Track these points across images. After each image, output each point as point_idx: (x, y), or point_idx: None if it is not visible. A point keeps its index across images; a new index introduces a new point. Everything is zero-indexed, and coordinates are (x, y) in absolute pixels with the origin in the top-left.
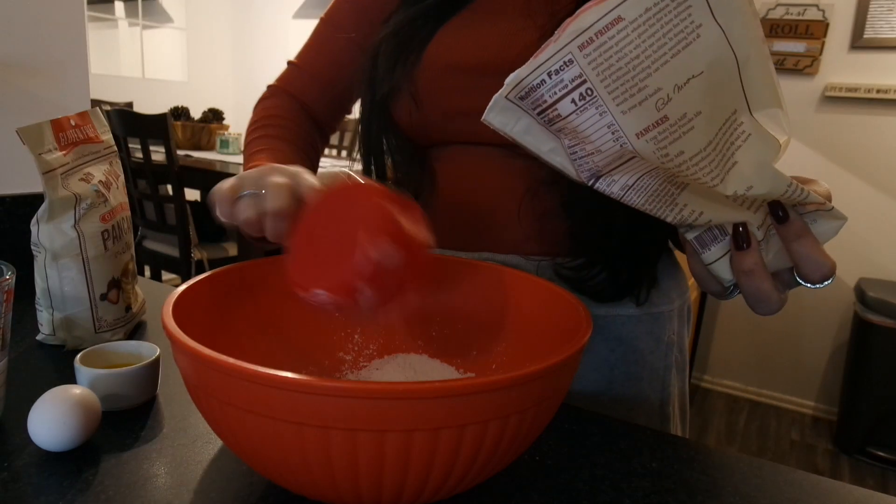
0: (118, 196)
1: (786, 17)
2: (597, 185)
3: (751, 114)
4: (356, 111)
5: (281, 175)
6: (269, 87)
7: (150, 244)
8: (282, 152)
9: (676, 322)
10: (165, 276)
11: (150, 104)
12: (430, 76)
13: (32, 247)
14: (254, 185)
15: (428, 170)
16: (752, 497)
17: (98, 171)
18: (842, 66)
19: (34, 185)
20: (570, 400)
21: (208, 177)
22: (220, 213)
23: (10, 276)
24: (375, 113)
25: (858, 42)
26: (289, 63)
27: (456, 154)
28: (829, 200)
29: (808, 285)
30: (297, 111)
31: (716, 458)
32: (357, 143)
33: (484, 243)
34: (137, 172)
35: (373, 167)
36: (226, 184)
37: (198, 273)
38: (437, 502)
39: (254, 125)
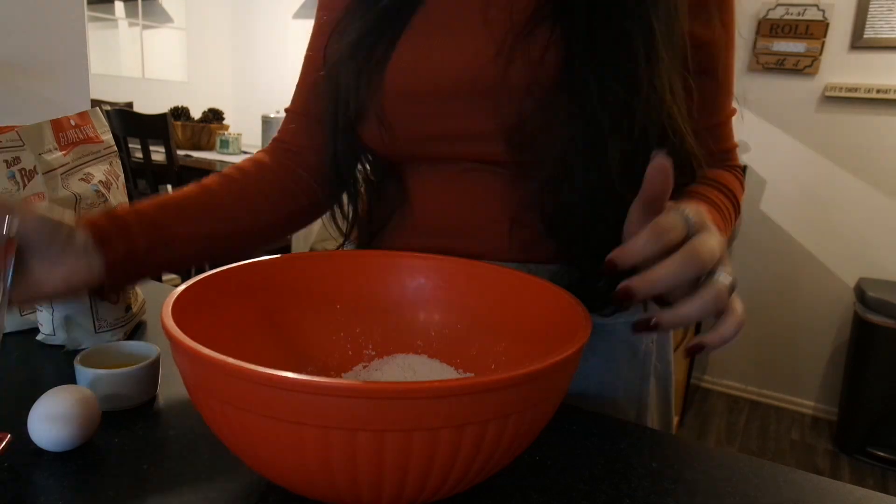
0: (118, 196)
1: (786, 17)
2: None
3: None
4: None
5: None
6: (272, 140)
7: None
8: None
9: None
10: (165, 276)
11: (150, 104)
12: (395, 104)
13: None
14: None
15: (402, 187)
16: (752, 497)
17: (98, 171)
18: (842, 66)
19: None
20: None
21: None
22: None
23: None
24: (341, 134)
25: (858, 42)
26: (286, 111)
27: (432, 171)
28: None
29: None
30: (272, 170)
31: (716, 458)
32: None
33: None
34: (137, 172)
35: (342, 186)
36: None
37: (198, 273)
38: (436, 502)
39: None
